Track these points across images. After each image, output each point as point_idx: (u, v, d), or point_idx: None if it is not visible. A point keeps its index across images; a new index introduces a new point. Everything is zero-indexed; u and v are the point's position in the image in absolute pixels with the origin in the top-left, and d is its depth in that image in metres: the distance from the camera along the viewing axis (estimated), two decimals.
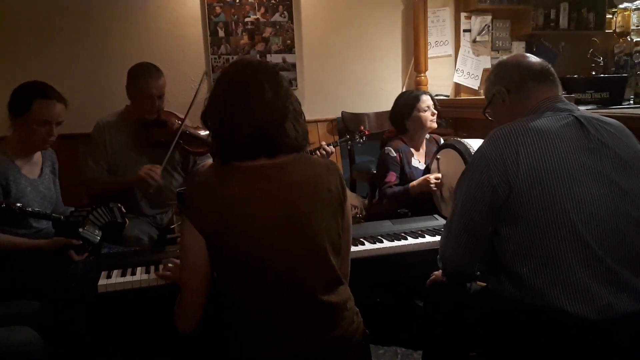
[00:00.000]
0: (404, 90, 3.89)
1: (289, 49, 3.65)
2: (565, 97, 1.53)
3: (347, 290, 1.36)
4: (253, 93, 1.25)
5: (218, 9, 3.49)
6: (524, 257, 1.33)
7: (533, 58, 1.55)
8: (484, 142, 1.45)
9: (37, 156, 2.14)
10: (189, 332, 1.31)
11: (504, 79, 1.54)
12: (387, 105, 3.79)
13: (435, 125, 2.73)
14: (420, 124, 2.72)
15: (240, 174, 1.26)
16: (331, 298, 1.28)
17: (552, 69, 1.53)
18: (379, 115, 3.72)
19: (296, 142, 1.29)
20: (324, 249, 1.27)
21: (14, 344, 1.40)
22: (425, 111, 2.69)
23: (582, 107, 3.09)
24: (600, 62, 4.09)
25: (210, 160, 2.70)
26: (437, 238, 1.94)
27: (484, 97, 1.69)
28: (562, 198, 1.31)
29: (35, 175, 2.10)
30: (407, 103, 2.76)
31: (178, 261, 1.55)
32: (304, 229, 1.24)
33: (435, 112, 2.72)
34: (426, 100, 2.71)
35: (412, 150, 2.79)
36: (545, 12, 4.11)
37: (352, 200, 2.85)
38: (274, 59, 3.61)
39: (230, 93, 1.26)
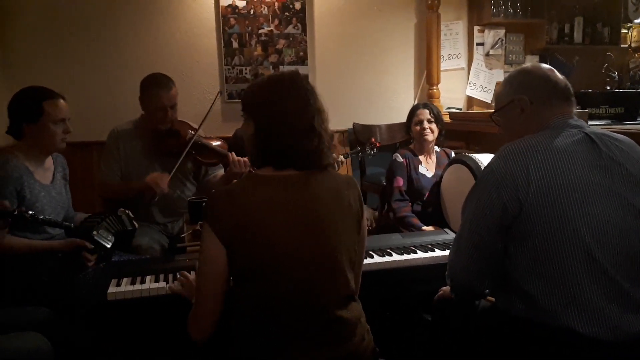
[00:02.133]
0: (415, 102, 3.90)
1: (302, 60, 3.68)
2: (579, 112, 1.50)
3: (359, 307, 1.36)
4: (306, 102, 1.27)
5: (232, 21, 3.53)
6: (534, 275, 1.31)
7: (559, 75, 1.50)
8: (493, 158, 1.43)
9: (49, 162, 2.17)
10: (203, 340, 1.31)
11: (529, 89, 1.48)
12: (398, 117, 3.81)
13: (429, 138, 2.75)
14: (415, 135, 2.80)
15: (264, 183, 1.27)
16: (344, 313, 1.28)
17: (571, 88, 1.50)
18: (390, 127, 3.72)
19: (329, 155, 1.32)
20: (341, 263, 1.27)
21: (23, 350, 1.41)
22: (417, 124, 2.76)
23: (596, 122, 3.07)
24: (615, 77, 4.06)
25: (222, 171, 2.72)
26: (446, 252, 1.92)
27: (496, 94, 1.65)
28: (574, 216, 1.28)
29: (48, 181, 2.12)
30: (409, 114, 2.86)
31: (191, 276, 1.55)
32: (322, 241, 1.25)
33: (431, 125, 2.74)
34: (420, 114, 2.76)
35: (420, 157, 2.81)
36: (559, 27, 4.10)
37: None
38: (287, 70, 3.63)
39: (297, 104, 1.27)
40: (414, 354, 2.20)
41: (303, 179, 1.28)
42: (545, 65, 1.56)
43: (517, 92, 1.50)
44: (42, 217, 1.69)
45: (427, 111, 2.75)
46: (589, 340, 1.24)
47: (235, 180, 1.50)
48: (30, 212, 1.60)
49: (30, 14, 3.25)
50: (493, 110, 1.60)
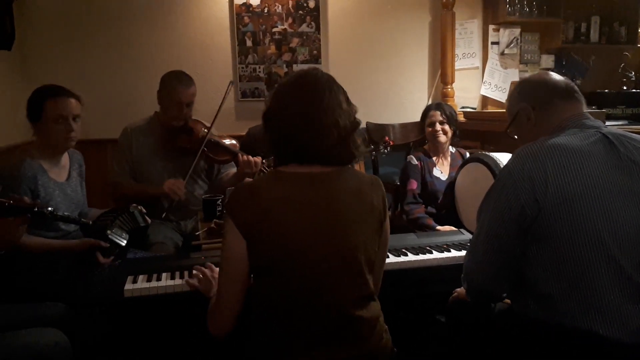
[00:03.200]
0: (429, 101, 3.88)
1: (315, 59, 3.68)
2: (595, 112, 1.50)
3: (378, 306, 1.35)
4: (333, 101, 1.26)
5: (247, 19, 3.53)
6: (553, 277, 1.29)
7: (557, 76, 1.53)
8: (510, 160, 1.42)
9: (65, 160, 2.18)
10: (222, 336, 1.31)
11: (528, 96, 1.52)
12: (412, 116, 3.79)
13: (441, 139, 2.74)
14: (428, 137, 2.80)
15: (286, 179, 1.27)
16: (362, 313, 1.27)
17: (576, 86, 1.51)
18: (403, 126, 3.70)
19: (357, 154, 1.32)
20: (360, 263, 1.26)
21: (42, 345, 1.42)
22: (429, 126, 2.76)
23: (612, 123, 3.04)
24: (631, 77, 4.01)
25: (234, 169, 2.73)
26: (462, 253, 1.91)
27: (506, 110, 1.66)
28: (593, 217, 1.27)
29: (63, 178, 2.13)
30: (422, 115, 2.86)
31: (207, 271, 1.56)
32: (341, 240, 1.24)
33: (443, 127, 2.72)
34: (432, 116, 2.75)
35: (434, 159, 2.80)
36: (575, 26, 4.06)
37: None
38: (301, 69, 3.63)
39: (312, 100, 1.26)
40: (427, 355, 2.19)
41: (325, 177, 1.27)
42: (542, 71, 1.58)
43: (519, 101, 1.54)
44: (60, 213, 1.70)
45: (438, 113, 2.73)
46: (610, 343, 1.22)
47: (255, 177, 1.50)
48: (50, 209, 1.61)
49: (47, 13, 3.28)
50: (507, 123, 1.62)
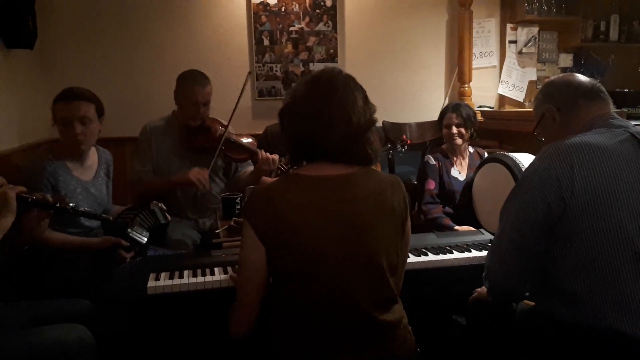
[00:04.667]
0: (446, 101, 3.86)
1: (332, 58, 3.67)
2: (615, 112, 1.49)
3: (401, 308, 1.35)
4: (346, 97, 1.26)
5: (264, 18, 3.54)
6: (579, 276, 1.29)
7: (582, 77, 1.53)
8: (535, 158, 1.42)
9: (93, 159, 2.20)
10: (241, 336, 1.32)
11: (553, 97, 1.52)
12: (429, 115, 3.78)
13: (458, 142, 2.73)
14: (445, 138, 2.80)
15: (305, 183, 1.26)
16: (386, 316, 1.27)
17: (602, 86, 1.50)
18: (420, 125, 3.69)
19: (375, 154, 1.31)
20: (382, 267, 1.25)
21: (67, 341, 1.44)
22: (446, 128, 2.76)
23: (632, 122, 2.99)
24: None
25: (251, 167, 2.74)
26: (483, 253, 1.90)
27: (532, 112, 1.66)
28: (621, 216, 1.27)
29: (89, 177, 2.16)
30: (440, 116, 2.85)
31: None
32: (362, 243, 1.23)
33: (460, 129, 2.71)
34: (448, 118, 2.75)
35: (452, 159, 2.79)
36: (594, 24, 4.00)
37: None
38: (317, 67, 3.63)
39: (323, 94, 1.26)
40: (444, 355, 2.18)
41: (345, 181, 1.26)
42: (568, 72, 1.58)
43: (544, 103, 1.55)
44: (82, 209, 1.72)
45: (454, 115, 2.72)
46: (637, 342, 1.21)
47: (276, 178, 1.50)
48: (72, 204, 1.63)
49: (68, 12, 3.31)
50: (529, 115, 1.64)
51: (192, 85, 2.50)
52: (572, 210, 1.29)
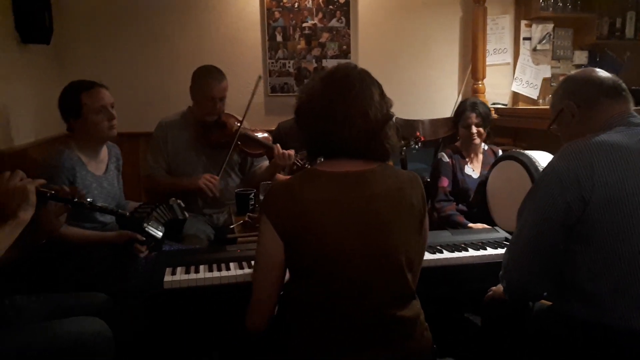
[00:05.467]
0: (459, 98, 3.84)
1: (345, 54, 3.66)
2: (635, 110, 1.47)
3: (418, 305, 1.35)
4: (362, 92, 1.25)
5: (277, 14, 3.54)
6: (599, 276, 1.28)
7: (603, 73, 1.50)
8: (554, 157, 1.41)
9: (104, 153, 2.21)
10: (257, 330, 1.32)
11: (573, 94, 1.50)
12: (442, 112, 3.76)
13: (476, 141, 2.71)
14: (463, 137, 2.76)
15: (323, 179, 1.26)
16: (404, 312, 1.27)
17: (623, 84, 1.48)
18: (433, 122, 3.67)
19: (393, 149, 1.30)
20: (400, 263, 1.25)
21: (85, 334, 1.45)
22: (465, 127, 2.72)
23: None
24: None
25: (266, 162, 2.75)
26: (499, 251, 1.89)
27: (549, 109, 1.64)
28: None
29: (101, 172, 2.17)
30: (458, 113, 2.81)
31: None
32: (381, 240, 1.23)
33: (479, 129, 2.68)
34: (467, 118, 2.70)
35: (466, 157, 2.78)
36: (610, 21, 3.95)
37: None
38: (330, 64, 3.62)
39: (339, 90, 1.25)
40: (460, 354, 2.18)
41: (363, 177, 1.26)
42: (589, 68, 1.55)
43: (564, 99, 1.52)
44: (99, 204, 1.73)
45: (474, 115, 2.68)
46: None
47: (294, 175, 1.50)
48: (89, 199, 1.64)
49: (84, 7, 3.33)
50: (544, 113, 1.61)
51: (208, 80, 2.50)
52: (592, 210, 1.28)
